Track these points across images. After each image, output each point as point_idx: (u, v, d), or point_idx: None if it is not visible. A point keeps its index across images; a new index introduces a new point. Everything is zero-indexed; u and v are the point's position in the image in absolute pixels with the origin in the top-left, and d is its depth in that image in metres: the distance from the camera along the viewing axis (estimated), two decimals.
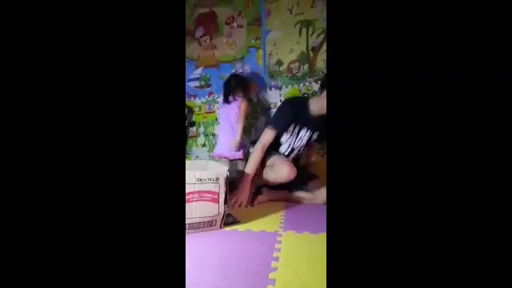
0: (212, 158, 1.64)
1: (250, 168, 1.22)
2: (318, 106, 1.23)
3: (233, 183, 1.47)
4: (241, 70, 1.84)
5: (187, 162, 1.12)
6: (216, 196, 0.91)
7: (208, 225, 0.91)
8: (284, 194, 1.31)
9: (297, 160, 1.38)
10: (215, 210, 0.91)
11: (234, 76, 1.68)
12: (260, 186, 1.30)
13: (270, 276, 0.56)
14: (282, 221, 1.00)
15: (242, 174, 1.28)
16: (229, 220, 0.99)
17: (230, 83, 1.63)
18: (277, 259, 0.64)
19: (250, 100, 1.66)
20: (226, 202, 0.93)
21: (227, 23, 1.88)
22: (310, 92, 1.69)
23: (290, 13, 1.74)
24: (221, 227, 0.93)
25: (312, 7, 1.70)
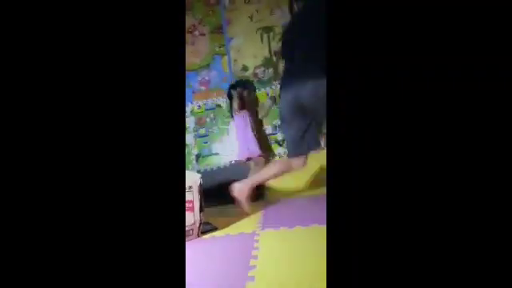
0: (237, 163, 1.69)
1: None
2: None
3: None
4: (207, 78, 1.85)
5: None
6: (191, 204, 0.89)
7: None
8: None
9: None
10: (191, 218, 0.89)
11: (230, 87, 1.72)
12: None
13: (250, 273, 0.57)
14: (261, 220, 1.01)
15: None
16: (206, 228, 0.98)
17: (230, 97, 1.70)
18: (256, 257, 0.66)
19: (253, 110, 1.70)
20: (201, 209, 0.92)
21: (189, 32, 1.87)
22: (277, 95, 1.75)
23: (251, 20, 1.80)
24: (198, 236, 0.92)
25: (271, 14, 1.78)
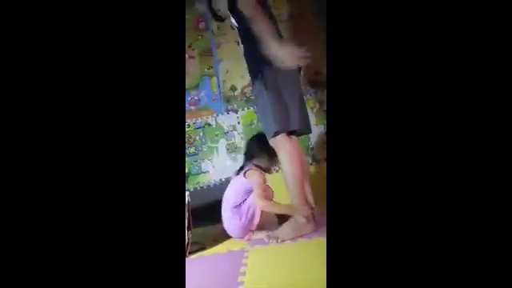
0: None
1: None
2: None
3: None
4: (196, 97, 1.89)
5: None
6: None
7: None
8: None
9: None
10: None
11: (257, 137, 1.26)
12: None
13: None
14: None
15: None
16: (194, 248, 0.96)
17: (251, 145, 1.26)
18: (243, 274, 0.65)
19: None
20: (189, 228, 0.91)
21: None
22: None
23: (238, 44, 1.90)
24: (186, 256, 0.89)
25: None
